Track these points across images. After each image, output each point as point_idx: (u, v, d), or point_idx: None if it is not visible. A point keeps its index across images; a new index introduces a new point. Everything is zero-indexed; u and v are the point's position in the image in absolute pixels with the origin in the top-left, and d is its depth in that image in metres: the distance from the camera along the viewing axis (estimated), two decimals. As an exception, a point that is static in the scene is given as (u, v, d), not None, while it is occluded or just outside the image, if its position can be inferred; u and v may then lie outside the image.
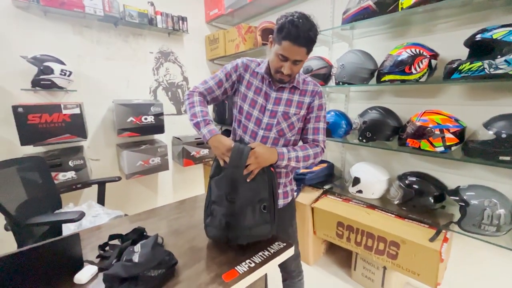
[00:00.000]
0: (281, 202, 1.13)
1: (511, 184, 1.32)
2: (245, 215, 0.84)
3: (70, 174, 1.73)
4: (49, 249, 0.70)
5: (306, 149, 1.00)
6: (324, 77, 1.86)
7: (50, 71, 1.65)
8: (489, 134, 1.18)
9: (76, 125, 1.74)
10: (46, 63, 1.64)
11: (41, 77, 1.64)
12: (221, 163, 0.90)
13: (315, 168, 2.02)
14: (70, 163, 1.73)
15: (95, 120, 2.11)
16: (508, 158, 1.14)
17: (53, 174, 1.63)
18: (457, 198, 1.30)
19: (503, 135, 1.13)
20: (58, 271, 0.73)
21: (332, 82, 1.85)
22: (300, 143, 1.11)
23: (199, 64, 2.75)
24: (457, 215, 1.32)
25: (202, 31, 2.71)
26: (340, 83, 1.72)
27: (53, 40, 1.85)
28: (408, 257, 1.44)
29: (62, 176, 1.71)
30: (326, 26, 1.93)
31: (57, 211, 1.43)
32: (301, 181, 1.96)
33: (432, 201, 1.45)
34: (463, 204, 1.27)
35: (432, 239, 1.36)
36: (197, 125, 0.97)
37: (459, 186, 1.36)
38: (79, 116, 1.74)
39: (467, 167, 1.47)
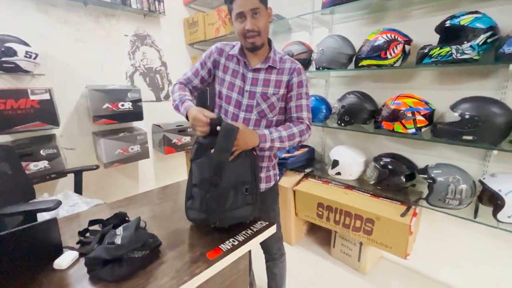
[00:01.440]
0: (263, 186, 1.15)
1: (472, 162, 1.45)
2: (227, 198, 0.85)
3: (43, 164, 1.64)
4: (25, 235, 0.68)
5: (290, 128, 0.99)
6: (304, 62, 1.87)
7: (13, 52, 1.52)
8: (455, 116, 1.27)
9: (46, 112, 1.64)
10: (8, 44, 1.51)
11: (3, 59, 1.51)
12: (198, 133, 0.87)
13: (296, 153, 2.07)
14: (42, 152, 1.64)
15: (68, 106, 2.00)
16: (470, 138, 1.24)
17: (24, 164, 1.54)
18: (426, 176, 1.40)
19: (467, 116, 1.22)
20: (36, 257, 0.71)
21: (312, 67, 1.88)
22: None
23: (178, 49, 2.65)
24: (426, 192, 1.43)
25: (180, 14, 2.59)
26: (320, 68, 1.75)
27: (13, 18, 1.69)
28: (382, 232, 1.55)
29: (34, 166, 1.62)
30: (307, 10, 1.93)
31: (31, 202, 1.37)
32: (283, 165, 2.01)
33: (404, 180, 1.56)
34: (431, 181, 1.37)
35: (403, 215, 1.47)
36: (177, 108, 0.99)
37: (428, 165, 1.47)
38: (49, 102, 1.63)
39: (435, 147, 1.58)
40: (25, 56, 1.57)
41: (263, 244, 1.24)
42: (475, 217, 1.33)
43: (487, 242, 1.47)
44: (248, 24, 0.92)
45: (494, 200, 1.26)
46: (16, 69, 1.58)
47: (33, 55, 1.62)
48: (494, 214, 1.23)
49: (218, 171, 0.84)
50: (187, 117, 0.93)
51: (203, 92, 2.31)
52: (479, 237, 1.49)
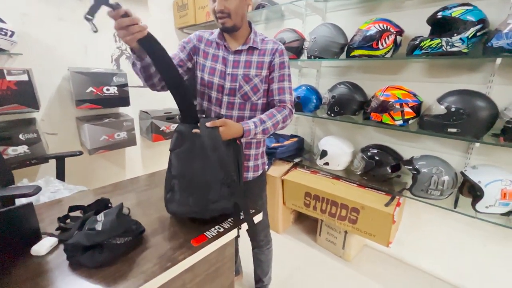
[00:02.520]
0: (251, 175, 1.15)
1: (456, 154, 1.49)
2: (209, 190, 0.82)
3: (22, 149, 1.57)
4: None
5: (274, 116, 0.98)
6: (296, 51, 1.84)
7: (-14, 29, 1.42)
8: (441, 109, 1.29)
9: (25, 94, 1.55)
10: (-20, 20, 1.40)
11: (-25, 36, 1.41)
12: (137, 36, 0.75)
13: (286, 142, 2.07)
14: (21, 137, 1.56)
15: (49, 89, 1.90)
16: (454, 130, 1.27)
17: (1, 148, 1.47)
18: (411, 167, 1.43)
19: (452, 109, 1.25)
20: (13, 243, 0.68)
21: (304, 56, 1.85)
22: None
23: (167, 33, 2.55)
24: (410, 183, 1.47)
25: (169, -5, 2.48)
26: (312, 57, 1.72)
27: (-12, -8, 1.57)
28: (366, 221, 1.59)
29: (13, 151, 1.54)
30: (300, -4, 1.88)
31: (8, 187, 1.31)
32: (272, 155, 2.01)
33: (390, 171, 1.59)
34: (415, 172, 1.40)
35: (387, 204, 1.51)
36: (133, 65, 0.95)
37: (413, 157, 1.50)
38: (27, 84, 1.54)
39: (421, 139, 1.61)
40: (0, 34, 1.47)
41: (250, 232, 1.24)
42: (455, 207, 1.38)
43: (465, 232, 1.54)
44: (216, 5, 0.91)
45: (473, 191, 1.30)
46: (-10, 47, 1.48)
47: (9, 33, 1.51)
48: (473, 205, 1.28)
49: (198, 161, 0.81)
50: (132, 50, 0.85)
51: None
52: (458, 226, 1.55)
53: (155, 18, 2.41)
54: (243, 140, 0.95)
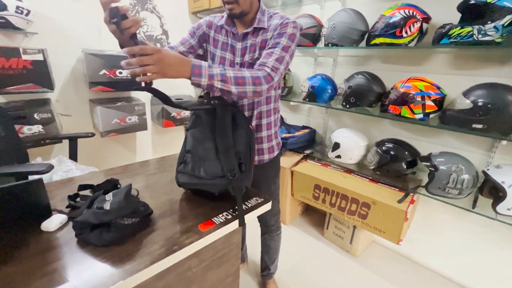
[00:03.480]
0: (267, 157, 1.13)
1: (478, 152, 1.41)
2: (220, 164, 0.82)
3: (37, 128, 1.60)
4: (10, 193, 0.65)
5: (241, 71, 0.79)
6: (313, 38, 1.77)
7: (3, 6, 1.42)
8: (467, 103, 1.21)
9: (40, 74, 1.56)
10: (-3, -3, 1.41)
11: (-8, 13, 1.42)
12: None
13: (297, 133, 2.03)
14: (36, 116, 1.59)
15: (64, 70, 1.91)
16: (480, 126, 1.19)
17: (17, 127, 1.50)
18: (428, 163, 1.37)
19: (479, 103, 1.16)
20: (23, 217, 0.69)
21: (321, 44, 1.78)
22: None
23: (180, 17, 2.51)
24: (425, 181, 1.40)
25: (184, -22, 2.43)
26: (329, 44, 1.65)
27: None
28: (377, 216, 1.55)
29: (28, 130, 1.57)
30: (320, -20, 1.79)
31: (23, 164, 1.34)
32: (282, 145, 1.96)
33: (405, 166, 1.52)
34: (433, 169, 1.34)
35: (400, 201, 1.46)
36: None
37: (431, 153, 1.43)
38: (42, 64, 1.56)
39: (440, 135, 1.53)
40: (16, 12, 1.47)
41: (261, 216, 1.23)
42: (473, 208, 1.32)
43: (482, 234, 1.47)
44: None
45: (495, 192, 1.23)
46: (6, 25, 1.49)
47: (25, 11, 1.51)
48: (494, 206, 1.21)
49: (211, 137, 0.84)
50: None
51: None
52: (474, 228, 1.49)
53: (168, 2, 2.37)
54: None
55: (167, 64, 0.65)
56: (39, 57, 1.54)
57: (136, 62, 0.61)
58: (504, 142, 1.21)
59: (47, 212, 0.74)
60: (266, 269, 1.45)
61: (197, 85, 0.73)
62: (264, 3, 2.26)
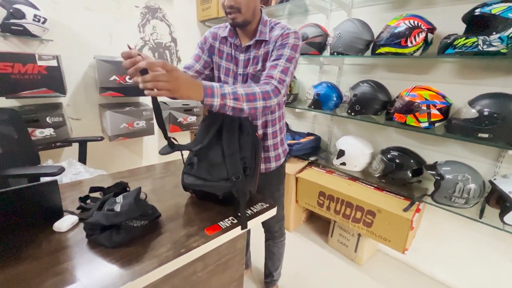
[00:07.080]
0: (273, 165, 1.14)
1: (484, 161, 1.40)
2: (225, 167, 0.84)
3: (48, 131, 1.65)
4: (25, 194, 0.68)
5: (250, 87, 0.81)
6: (319, 46, 1.80)
7: (22, 15, 1.49)
8: (472, 112, 1.21)
9: (54, 79, 1.62)
10: (16, 6, 1.47)
11: (11, 21, 1.48)
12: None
13: (302, 140, 2.04)
14: (48, 120, 1.64)
15: (75, 76, 1.97)
16: (486, 135, 1.19)
17: (30, 130, 1.54)
18: (434, 172, 1.36)
19: (485, 113, 1.17)
20: (36, 217, 0.72)
21: (326, 52, 1.81)
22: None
23: (189, 25, 2.57)
24: (431, 189, 1.40)
25: (193, -13, 2.50)
26: (335, 53, 1.67)
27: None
28: (382, 225, 1.53)
29: (40, 133, 1.62)
30: (326, -10, 1.83)
31: (35, 166, 1.38)
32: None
33: (410, 175, 1.52)
34: (439, 178, 1.33)
35: (405, 209, 1.45)
36: None
37: (437, 162, 1.42)
38: (56, 69, 1.61)
39: (446, 144, 1.52)
40: (34, 20, 1.54)
41: (265, 222, 1.24)
42: (480, 218, 1.30)
43: (489, 244, 1.45)
44: (227, 1, 0.87)
45: (502, 202, 1.22)
46: (24, 33, 1.55)
47: (42, 19, 1.58)
48: (501, 216, 1.20)
49: (220, 142, 0.87)
50: None
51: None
52: (481, 238, 1.46)
53: (178, 10, 2.44)
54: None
55: (182, 83, 0.67)
56: (54, 63, 1.60)
57: (151, 79, 0.62)
58: (511, 152, 1.20)
59: (59, 213, 0.76)
60: (269, 276, 1.45)
61: (209, 106, 0.73)
62: (271, 12, 2.32)
